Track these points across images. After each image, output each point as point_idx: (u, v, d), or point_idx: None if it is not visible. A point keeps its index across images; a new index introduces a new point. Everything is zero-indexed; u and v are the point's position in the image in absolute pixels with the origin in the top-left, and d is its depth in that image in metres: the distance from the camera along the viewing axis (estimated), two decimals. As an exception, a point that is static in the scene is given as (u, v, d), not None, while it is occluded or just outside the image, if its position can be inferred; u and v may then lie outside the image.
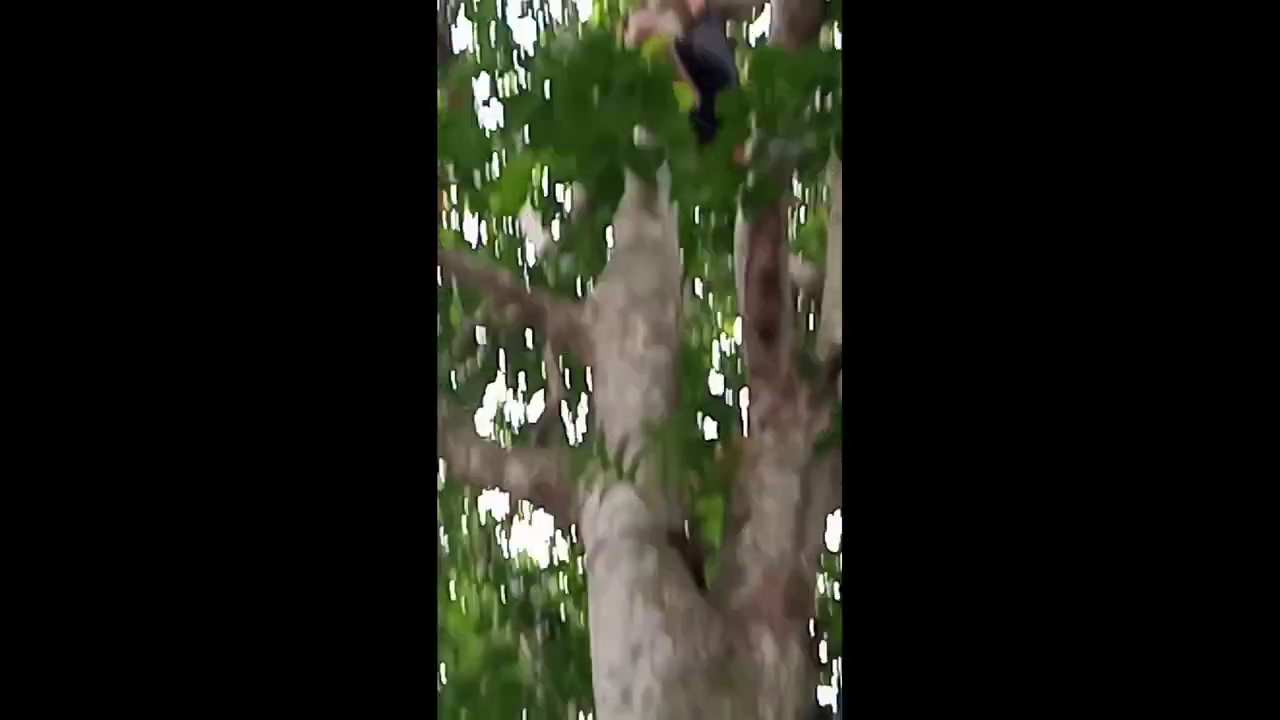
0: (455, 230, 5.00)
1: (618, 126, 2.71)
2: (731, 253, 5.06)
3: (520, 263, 4.65)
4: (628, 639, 2.13)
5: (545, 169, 3.62)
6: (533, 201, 3.82)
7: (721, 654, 2.13)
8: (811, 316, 4.09)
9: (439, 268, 3.41)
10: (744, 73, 5.72)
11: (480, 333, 4.15)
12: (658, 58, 3.15)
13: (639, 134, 2.99)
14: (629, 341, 2.86)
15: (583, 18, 6.13)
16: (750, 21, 5.65)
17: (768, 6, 5.30)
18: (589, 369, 3.04)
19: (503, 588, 3.96)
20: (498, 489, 2.96)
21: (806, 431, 2.57)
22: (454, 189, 4.10)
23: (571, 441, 4.48)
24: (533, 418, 4.95)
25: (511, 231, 4.74)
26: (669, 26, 4.14)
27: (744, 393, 4.49)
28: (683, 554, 2.34)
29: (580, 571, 4.72)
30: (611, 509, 2.38)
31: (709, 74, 4.05)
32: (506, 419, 5.21)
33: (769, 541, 2.35)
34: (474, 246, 4.81)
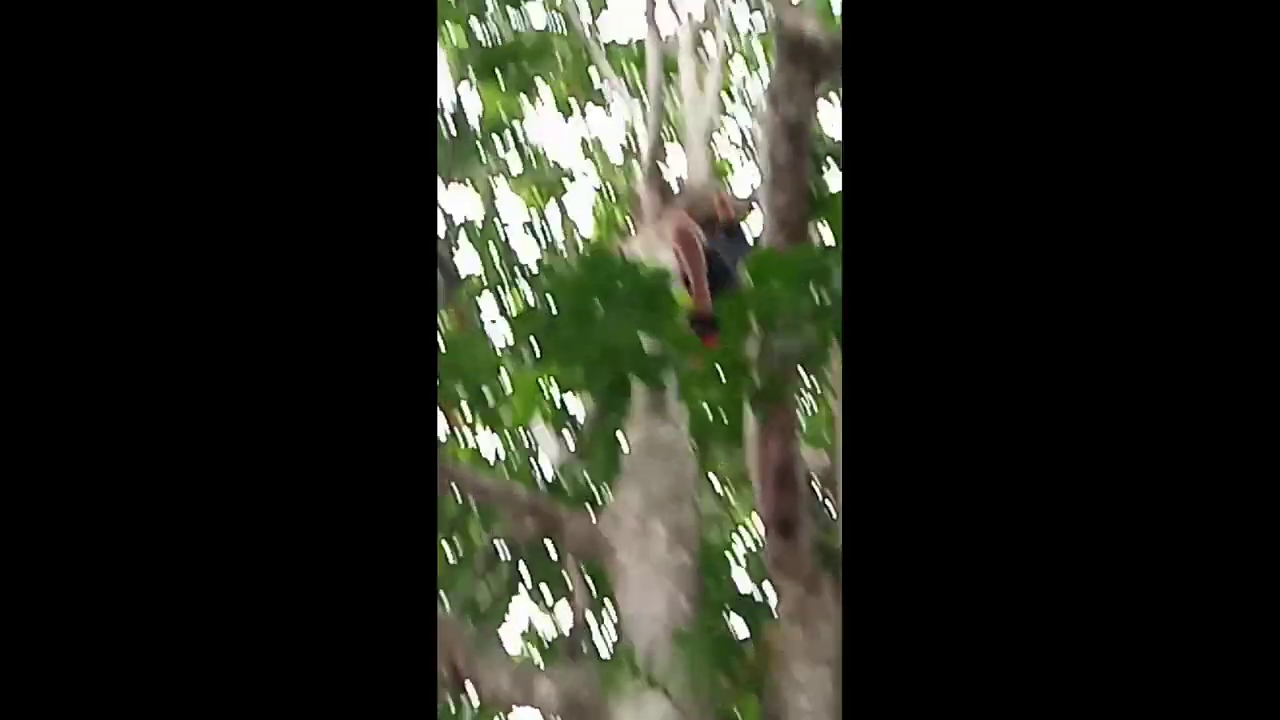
0: (471, 448, 5.05)
1: (621, 337, 2.77)
2: (743, 447, 5.12)
3: (535, 474, 4.68)
4: None
5: (554, 381, 3.69)
6: (544, 413, 3.88)
7: None
8: (829, 505, 4.09)
9: (455, 485, 3.43)
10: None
11: (501, 548, 4.15)
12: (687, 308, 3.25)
13: (643, 340, 3.06)
14: (650, 546, 2.86)
15: (582, 234, 6.36)
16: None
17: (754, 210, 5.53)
18: (612, 579, 3.02)
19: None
20: (529, 707, 2.90)
21: (835, 623, 2.54)
22: (465, 406, 4.16)
23: (600, 650, 4.42)
24: (559, 628, 4.89)
25: (526, 444, 4.78)
26: (699, 227, 4.33)
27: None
28: (721, 761, 2.29)
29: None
30: (645, 720, 2.34)
31: (721, 281, 4.21)
32: (537, 633, 5.14)
33: (808, 739, 2.30)
34: (491, 463, 4.85)
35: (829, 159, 3.46)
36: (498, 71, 3.40)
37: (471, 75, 5.26)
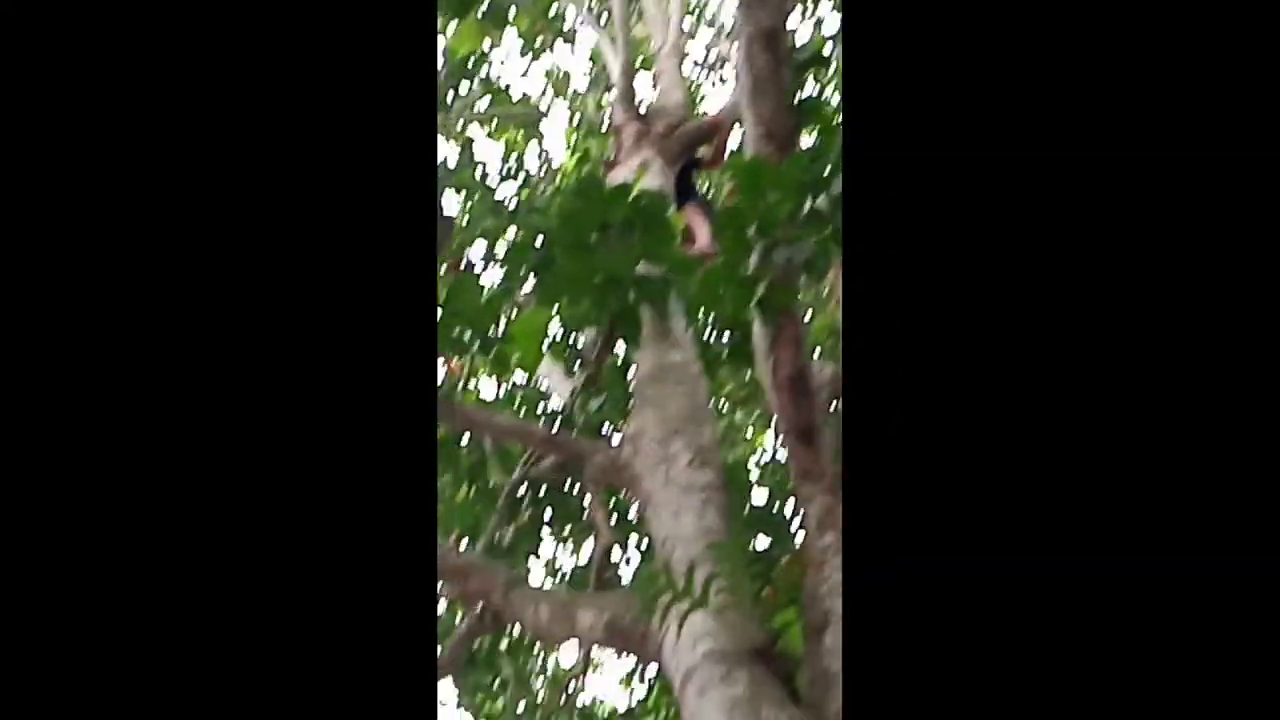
0: (474, 391, 5.05)
1: (623, 265, 2.77)
2: (750, 366, 5.15)
3: (542, 413, 4.70)
4: (735, 765, 2.11)
5: (558, 319, 3.69)
6: (551, 352, 3.89)
7: (831, 763, 2.10)
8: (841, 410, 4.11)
9: (470, 427, 3.44)
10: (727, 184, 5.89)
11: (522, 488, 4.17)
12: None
13: (641, 267, 3.06)
14: (674, 469, 2.88)
15: (560, 167, 6.33)
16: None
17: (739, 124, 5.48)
18: (638, 503, 3.05)
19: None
20: (571, 638, 2.95)
21: (866, 524, 2.57)
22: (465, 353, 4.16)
23: (624, 581, 4.47)
24: (580, 562, 4.95)
25: (528, 384, 4.79)
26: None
27: (790, 501, 4.53)
28: (771, 670, 2.32)
29: (664, 714, 4.66)
30: (693, 638, 2.37)
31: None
32: (558, 568, 5.20)
33: (853, 641, 2.33)
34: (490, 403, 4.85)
35: (808, 66, 3.44)
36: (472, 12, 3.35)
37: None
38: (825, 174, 2.59)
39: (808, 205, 2.62)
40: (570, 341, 3.96)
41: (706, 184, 6.31)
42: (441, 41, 5.67)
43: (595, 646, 3.00)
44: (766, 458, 5.60)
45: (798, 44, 3.28)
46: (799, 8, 6.78)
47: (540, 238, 3.57)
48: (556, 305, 3.22)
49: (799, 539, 4.39)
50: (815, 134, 3.29)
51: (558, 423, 4.04)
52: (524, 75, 12.56)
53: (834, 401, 4.00)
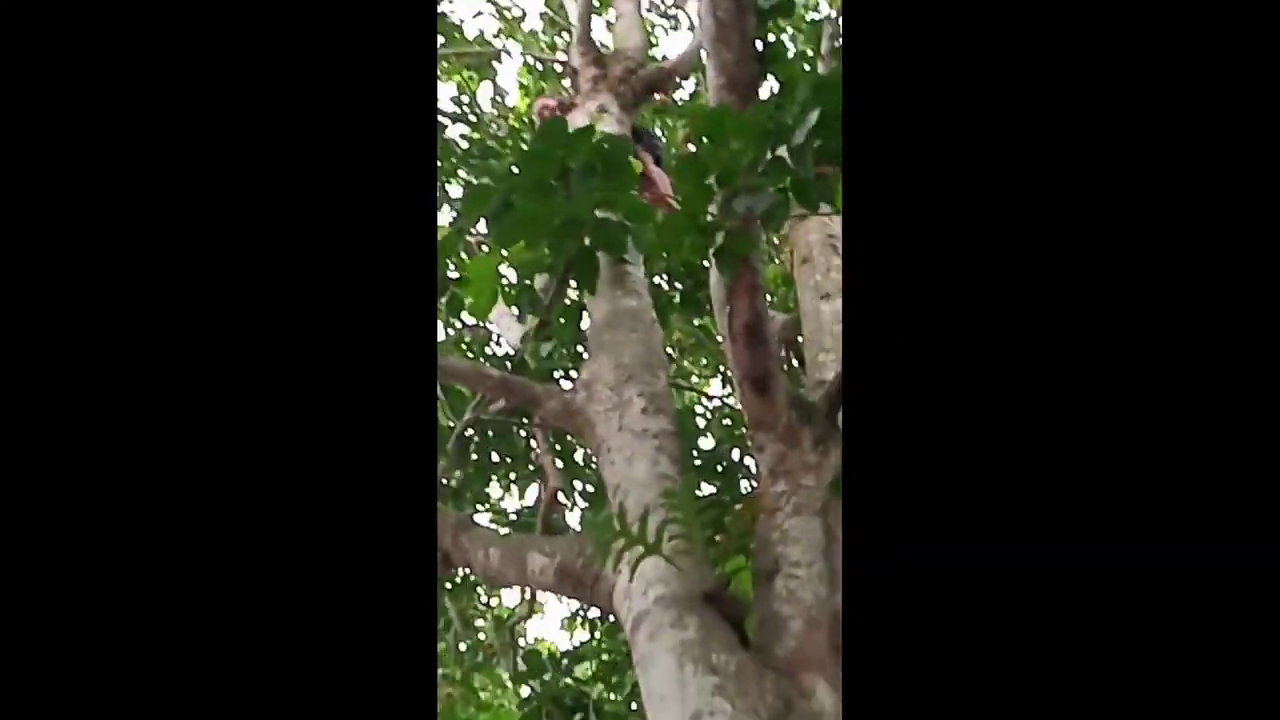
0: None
1: (583, 209, 2.75)
2: (700, 316, 5.16)
3: (490, 356, 4.68)
4: (685, 708, 2.13)
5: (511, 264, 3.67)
6: (504, 296, 3.86)
7: (780, 707, 2.12)
8: (795, 361, 4.14)
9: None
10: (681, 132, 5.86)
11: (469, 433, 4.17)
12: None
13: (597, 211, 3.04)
14: (627, 415, 2.88)
15: (512, 109, 6.25)
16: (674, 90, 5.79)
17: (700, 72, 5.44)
18: (592, 449, 3.05)
19: (536, 681, 3.92)
20: (520, 583, 2.96)
21: (817, 474, 2.59)
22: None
23: (571, 524, 4.49)
24: (528, 505, 4.96)
25: (477, 326, 4.77)
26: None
27: (736, 450, 4.56)
28: (721, 615, 2.34)
29: (605, 655, 4.70)
30: (644, 582, 2.39)
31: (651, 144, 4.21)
32: (503, 510, 5.21)
33: (803, 588, 2.36)
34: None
35: (773, 15, 3.42)
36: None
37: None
38: (789, 122, 2.57)
39: (768, 155, 2.62)
40: (524, 285, 3.93)
41: (656, 125, 6.28)
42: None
43: (543, 590, 3.00)
44: (715, 405, 5.62)
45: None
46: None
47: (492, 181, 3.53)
48: (510, 249, 3.20)
49: (744, 485, 4.45)
50: (777, 82, 3.28)
51: (509, 366, 4.03)
52: (476, 16, 12.44)
53: (785, 350, 4.03)
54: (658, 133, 6.14)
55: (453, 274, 3.97)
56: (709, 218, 2.68)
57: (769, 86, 3.54)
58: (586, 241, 2.83)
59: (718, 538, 2.58)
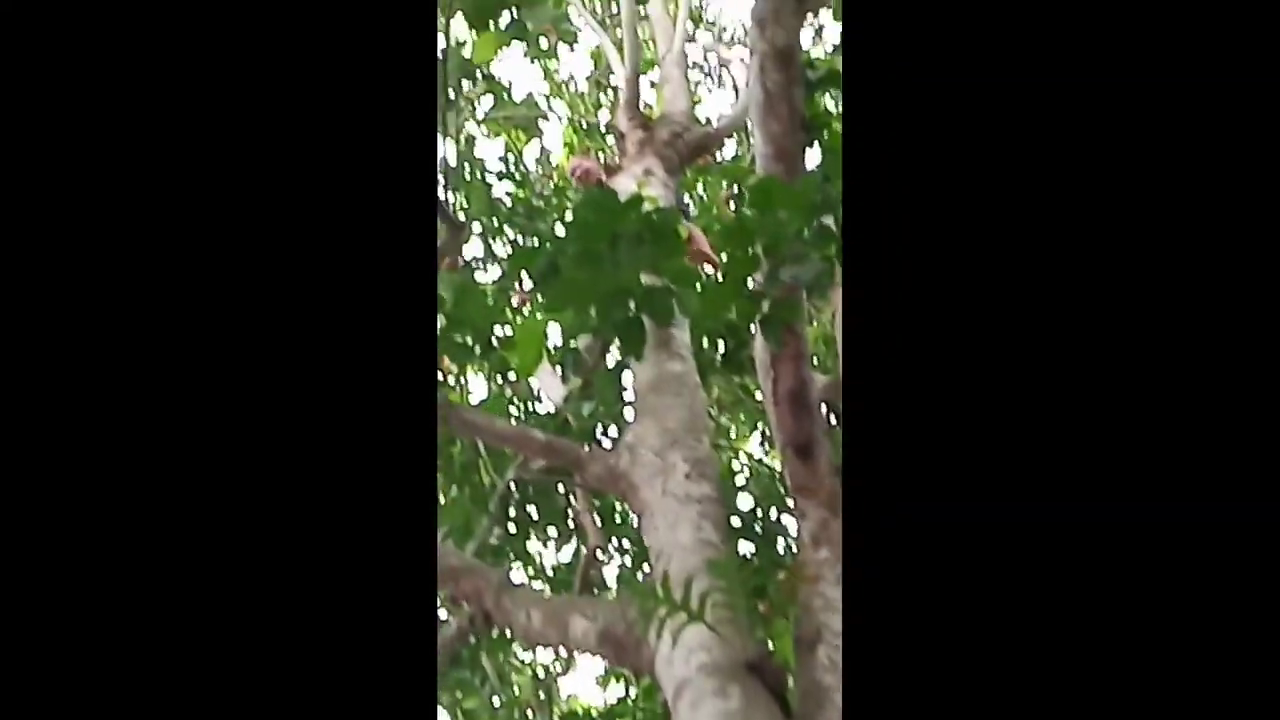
0: (459, 389, 5.06)
1: (631, 278, 2.79)
2: (740, 375, 5.18)
3: (531, 413, 4.70)
4: (727, 778, 2.13)
5: (558, 325, 3.71)
6: (549, 357, 3.91)
7: (822, 779, 2.13)
8: (835, 420, 4.14)
9: (470, 432, 3.46)
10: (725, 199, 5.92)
11: (513, 489, 4.20)
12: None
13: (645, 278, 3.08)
14: (671, 480, 2.90)
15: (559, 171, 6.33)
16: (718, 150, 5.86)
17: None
18: (635, 513, 3.07)
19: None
20: (561, 645, 2.97)
21: (860, 542, 2.60)
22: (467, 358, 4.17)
23: (607, 580, 4.50)
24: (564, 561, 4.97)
25: (518, 381, 4.80)
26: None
27: (775, 511, 4.55)
28: (763, 683, 2.35)
29: (641, 715, 4.68)
30: (687, 650, 2.39)
31: None
32: (542, 566, 5.21)
33: (846, 658, 2.36)
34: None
35: (819, 83, 3.47)
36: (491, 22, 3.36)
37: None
38: (836, 194, 2.61)
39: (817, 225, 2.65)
40: (568, 346, 3.97)
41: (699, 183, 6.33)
42: (442, 42, 5.66)
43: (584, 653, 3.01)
44: (751, 465, 5.62)
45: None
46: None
47: (538, 241, 3.58)
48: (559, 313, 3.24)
49: (780, 546, 4.44)
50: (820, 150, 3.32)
51: (551, 426, 4.06)
52: (524, 74, 12.59)
53: (831, 415, 4.04)
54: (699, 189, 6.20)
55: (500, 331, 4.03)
56: (753, 284, 2.72)
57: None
58: (633, 309, 2.87)
59: (760, 606, 2.59)
